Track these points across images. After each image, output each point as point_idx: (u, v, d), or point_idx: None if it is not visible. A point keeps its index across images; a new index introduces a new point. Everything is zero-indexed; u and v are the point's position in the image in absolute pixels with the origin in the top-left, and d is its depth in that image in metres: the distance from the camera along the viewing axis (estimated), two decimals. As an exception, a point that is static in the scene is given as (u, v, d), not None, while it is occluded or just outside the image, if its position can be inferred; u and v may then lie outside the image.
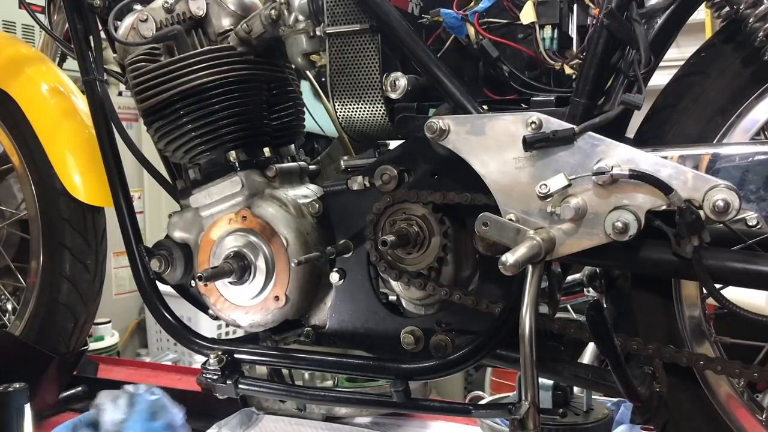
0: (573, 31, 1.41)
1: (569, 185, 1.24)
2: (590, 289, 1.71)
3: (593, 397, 1.90)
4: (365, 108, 1.49)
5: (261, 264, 1.57)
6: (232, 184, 1.63)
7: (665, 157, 1.23)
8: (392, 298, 1.61)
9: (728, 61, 1.30)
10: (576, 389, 1.88)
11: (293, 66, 1.71)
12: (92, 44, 1.82)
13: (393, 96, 1.45)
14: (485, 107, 1.41)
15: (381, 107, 1.47)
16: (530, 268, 1.24)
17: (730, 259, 1.22)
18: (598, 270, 1.63)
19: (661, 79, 1.38)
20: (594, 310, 1.24)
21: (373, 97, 1.47)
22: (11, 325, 2.12)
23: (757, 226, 1.40)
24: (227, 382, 1.61)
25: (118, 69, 1.84)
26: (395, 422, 2.12)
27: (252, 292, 1.60)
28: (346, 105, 1.50)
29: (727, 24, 1.29)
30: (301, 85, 1.84)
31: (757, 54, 1.24)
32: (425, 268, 1.46)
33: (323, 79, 1.56)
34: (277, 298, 1.57)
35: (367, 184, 1.51)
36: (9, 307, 2.28)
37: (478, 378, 3.93)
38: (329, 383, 2.13)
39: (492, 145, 1.33)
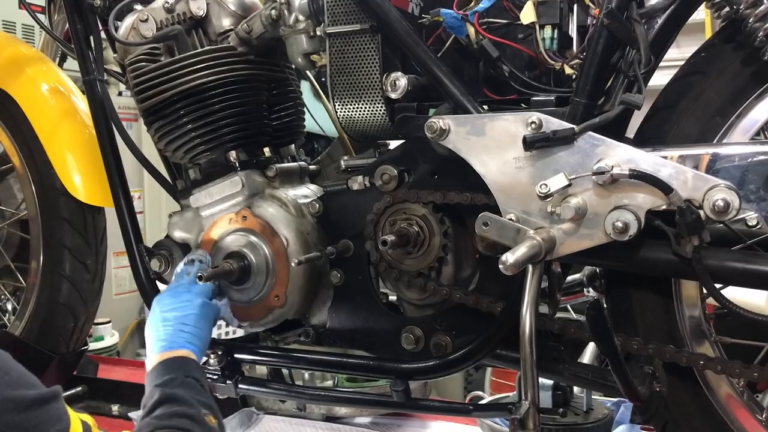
0: (573, 31, 1.41)
1: (569, 185, 1.24)
2: (590, 289, 1.71)
3: (593, 397, 1.90)
4: (365, 108, 1.49)
5: (261, 264, 1.57)
6: (232, 184, 1.63)
7: (665, 157, 1.23)
8: (392, 298, 1.61)
9: (728, 61, 1.30)
10: (576, 389, 1.88)
11: (293, 66, 1.71)
12: (92, 44, 1.82)
13: (393, 96, 1.45)
14: (485, 107, 1.41)
15: (381, 107, 1.47)
16: (530, 267, 1.24)
17: (730, 259, 1.22)
18: (598, 270, 1.63)
19: (661, 79, 1.38)
20: (594, 310, 1.24)
21: (373, 97, 1.47)
22: (11, 325, 2.12)
23: (757, 226, 1.40)
24: (227, 382, 1.62)
25: (118, 69, 1.84)
26: (395, 422, 2.12)
27: (252, 292, 1.59)
28: (346, 105, 1.50)
29: (727, 24, 1.29)
30: (301, 85, 1.84)
31: (757, 54, 1.24)
32: (425, 268, 1.46)
33: (323, 79, 1.56)
34: (277, 297, 1.57)
35: (367, 184, 1.51)
36: (9, 307, 2.28)
37: (478, 378, 3.93)
38: (329, 383, 2.13)
39: (492, 145, 1.33)
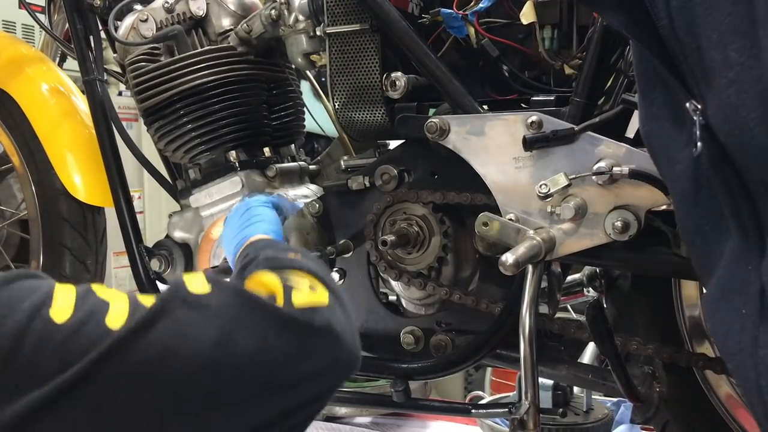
0: (573, 31, 1.41)
1: (569, 185, 1.24)
2: (590, 289, 1.71)
3: (593, 397, 1.90)
4: (365, 108, 1.49)
5: (261, 264, 1.57)
6: (232, 184, 1.63)
7: (665, 157, 1.22)
8: (392, 298, 1.61)
9: (728, 61, 1.29)
10: (576, 389, 1.88)
11: (293, 66, 1.71)
12: (92, 44, 1.82)
13: (393, 96, 1.45)
14: (485, 107, 1.41)
15: (381, 107, 1.47)
16: (530, 267, 1.24)
17: (730, 259, 1.22)
18: (598, 270, 1.63)
19: (661, 79, 1.38)
20: (594, 310, 1.24)
21: (373, 97, 1.47)
22: (11, 325, 2.12)
23: (757, 226, 1.39)
24: (227, 382, 1.61)
25: (118, 69, 1.84)
26: (395, 422, 2.12)
27: (252, 292, 1.59)
28: (346, 105, 1.50)
29: (727, 24, 1.29)
30: (301, 85, 1.84)
31: (757, 54, 1.24)
32: (425, 268, 1.46)
33: (323, 79, 1.56)
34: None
35: (367, 184, 1.51)
36: (9, 307, 2.27)
37: (478, 378, 3.92)
38: (329, 383, 2.12)
39: (492, 144, 1.33)
